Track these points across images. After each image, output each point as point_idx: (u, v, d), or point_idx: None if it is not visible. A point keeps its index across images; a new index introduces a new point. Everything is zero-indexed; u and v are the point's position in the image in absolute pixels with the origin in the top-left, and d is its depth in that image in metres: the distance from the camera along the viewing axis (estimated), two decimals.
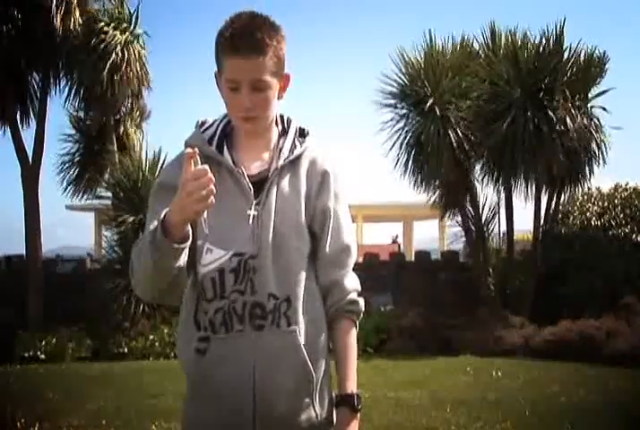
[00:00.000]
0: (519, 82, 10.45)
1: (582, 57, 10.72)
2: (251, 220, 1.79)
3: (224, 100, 1.84)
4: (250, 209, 1.80)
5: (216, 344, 1.77)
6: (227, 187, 1.79)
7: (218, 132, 1.89)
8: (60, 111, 13.20)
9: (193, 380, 1.82)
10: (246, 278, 1.78)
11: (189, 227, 1.67)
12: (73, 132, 14.31)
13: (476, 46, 11.33)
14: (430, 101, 10.52)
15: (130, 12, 11.98)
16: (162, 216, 1.65)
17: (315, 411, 1.80)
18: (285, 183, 1.85)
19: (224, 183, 1.78)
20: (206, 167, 1.58)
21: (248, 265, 1.78)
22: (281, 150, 1.87)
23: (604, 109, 10.75)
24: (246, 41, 1.73)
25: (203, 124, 1.93)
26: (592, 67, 10.67)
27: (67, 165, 14.27)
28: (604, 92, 10.84)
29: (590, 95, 10.76)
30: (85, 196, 14.46)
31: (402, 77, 11.06)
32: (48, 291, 11.13)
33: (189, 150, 1.61)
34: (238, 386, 1.75)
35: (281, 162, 1.84)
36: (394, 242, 21.93)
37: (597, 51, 10.75)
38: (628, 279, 10.07)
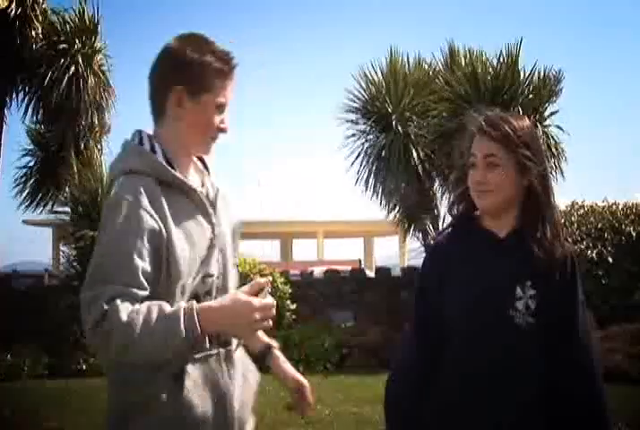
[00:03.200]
0: (477, 101, 10.59)
1: (536, 76, 10.89)
2: (212, 242, 1.82)
3: (199, 121, 1.83)
4: (212, 232, 1.83)
5: (191, 368, 1.74)
6: (189, 211, 1.80)
7: (161, 154, 1.83)
8: (17, 125, 13.02)
9: (169, 405, 1.72)
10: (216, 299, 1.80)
11: None
12: (30, 145, 14.11)
13: (436, 64, 11.47)
14: (392, 118, 10.63)
15: (91, 24, 11.85)
16: (197, 321, 1.62)
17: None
18: (220, 205, 1.90)
19: (186, 206, 1.80)
20: (273, 301, 1.67)
21: (216, 286, 1.82)
22: (207, 172, 1.95)
23: (560, 128, 10.94)
24: (234, 65, 1.85)
25: (142, 144, 1.84)
26: (547, 86, 10.86)
27: (24, 179, 14.04)
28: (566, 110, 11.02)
29: (545, 113, 10.94)
30: (43, 211, 14.23)
31: (364, 93, 11.17)
32: (5, 307, 10.91)
33: (264, 280, 1.69)
34: (218, 403, 1.78)
35: (216, 184, 1.92)
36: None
37: (553, 70, 10.96)
38: (586, 297, 10.20)
